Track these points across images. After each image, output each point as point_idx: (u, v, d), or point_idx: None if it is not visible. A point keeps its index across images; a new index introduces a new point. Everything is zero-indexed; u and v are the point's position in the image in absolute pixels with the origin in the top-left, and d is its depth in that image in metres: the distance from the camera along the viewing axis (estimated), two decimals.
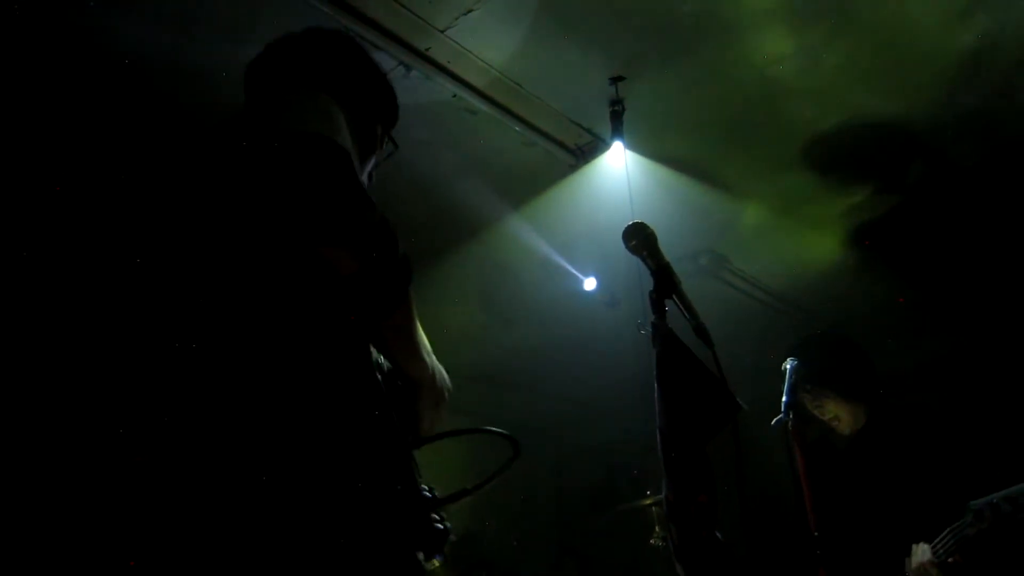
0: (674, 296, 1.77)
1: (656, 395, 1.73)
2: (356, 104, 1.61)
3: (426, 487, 1.39)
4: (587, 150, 3.71)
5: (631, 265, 1.94)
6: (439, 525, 1.37)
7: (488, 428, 1.72)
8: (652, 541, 4.47)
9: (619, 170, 3.65)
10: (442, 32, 2.95)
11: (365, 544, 1.19)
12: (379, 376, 1.36)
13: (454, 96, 3.23)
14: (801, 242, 4.64)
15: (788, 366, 2.86)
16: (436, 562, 1.35)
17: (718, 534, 1.67)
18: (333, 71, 1.65)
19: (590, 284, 4.59)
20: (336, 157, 1.27)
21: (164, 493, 1.15)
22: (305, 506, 1.16)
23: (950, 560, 2.59)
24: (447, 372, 1.58)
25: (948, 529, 2.61)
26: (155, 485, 1.15)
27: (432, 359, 1.52)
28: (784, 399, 2.75)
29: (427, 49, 3.01)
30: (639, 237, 1.80)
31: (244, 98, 1.67)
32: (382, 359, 1.41)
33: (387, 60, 2.93)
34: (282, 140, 1.28)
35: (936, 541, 2.64)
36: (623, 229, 1.82)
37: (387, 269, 1.31)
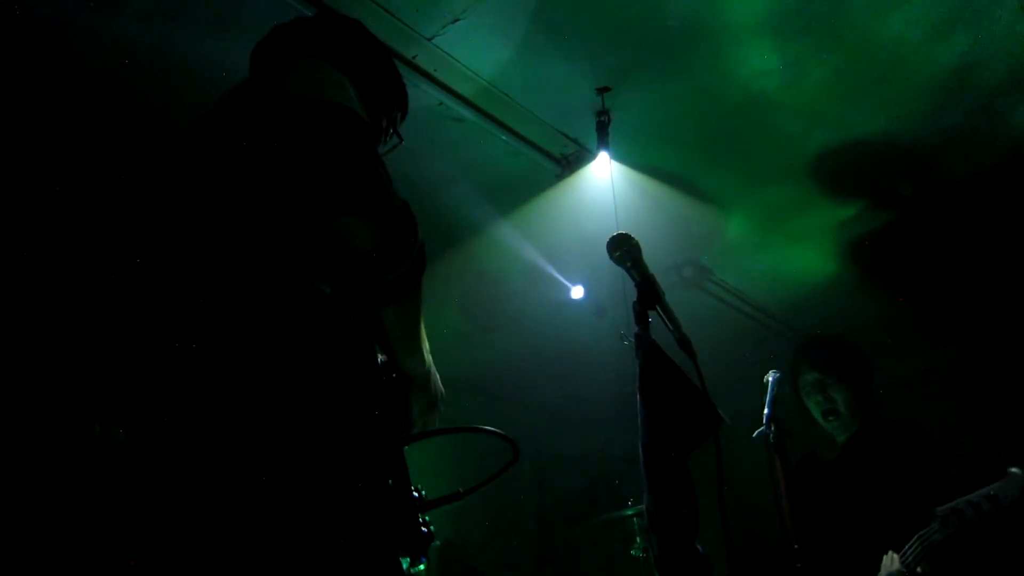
0: (658, 308, 1.78)
1: (639, 407, 1.73)
2: (365, 89, 1.55)
3: (415, 487, 1.36)
4: (573, 160, 3.72)
5: (615, 275, 1.94)
6: (424, 528, 1.34)
7: (487, 428, 1.69)
8: (633, 552, 4.47)
9: (604, 180, 3.66)
10: (429, 40, 2.95)
11: (349, 542, 1.15)
12: (374, 368, 1.32)
13: (440, 104, 3.23)
14: (784, 255, 4.67)
15: (770, 379, 2.87)
16: (422, 566, 1.32)
17: (699, 546, 1.67)
18: (344, 53, 1.60)
19: (577, 292, 4.58)
20: (361, 127, 1.23)
21: (155, 489, 1.12)
22: (290, 501, 1.12)
23: (919, 570, 2.60)
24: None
25: (916, 536, 2.63)
26: (148, 481, 1.12)
27: (429, 359, 1.49)
28: (766, 411, 2.77)
29: (414, 57, 3.01)
30: (623, 248, 1.80)
31: (249, 75, 1.62)
32: (378, 350, 1.37)
33: None
34: (301, 108, 1.22)
35: (905, 549, 2.65)
36: (607, 240, 1.82)
37: (406, 249, 1.26)
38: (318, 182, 1.19)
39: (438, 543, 1.36)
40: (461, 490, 1.55)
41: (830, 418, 3.13)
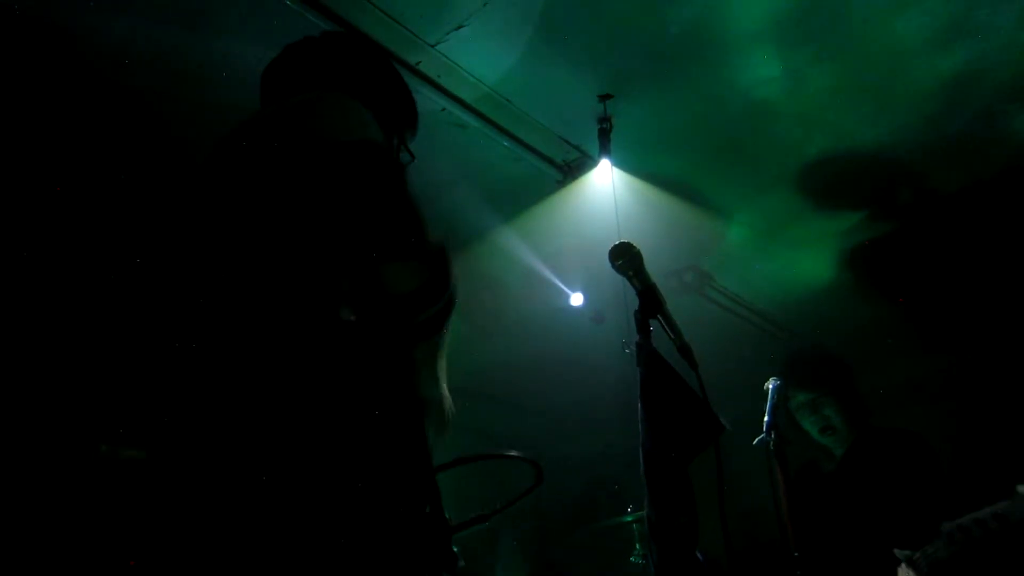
0: (659, 316, 1.78)
1: (640, 414, 1.74)
2: (377, 109, 1.54)
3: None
4: (574, 166, 3.73)
5: (615, 282, 1.95)
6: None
7: (513, 454, 1.70)
8: (632, 559, 4.46)
9: (606, 187, 3.67)
10: (433, 47, 2.96)
11: (381, 565, 1.16)
12: (402, 394, 1.33)
13: (443, 110, 3.24)
14: (785, 261, 4.68)
15: (770, 386, 2.87)
16: None
17: (699, 554, 1.67)
18: (355, 75, 1.61)
19: (577, 299, 4.59)
20: (398, 169, 1.24)
21: (178, 497, 1.12)
22: (324, 520, 1.12)
23: None
24: None
25: (920, 552, 2.61)
26: (172, 488, 1.12)
27: (445, 386, 1.49)
28: (766, 419, 2.77)
29: (417, 63, 3.02)
30: (625, 257, 1.81)
31: (260, 100, 1.62)
32: (404, 375, 1.38)
33: None
34: (339, 151, 1.23)
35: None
36: (610, 248, 1.83)
37: (441, 292, 1.28)
38: (362, 230, 1.20)
39: (463, 564, 1.36)
40: (487, 512, 1.56)
41: (827, 434, 3.13)
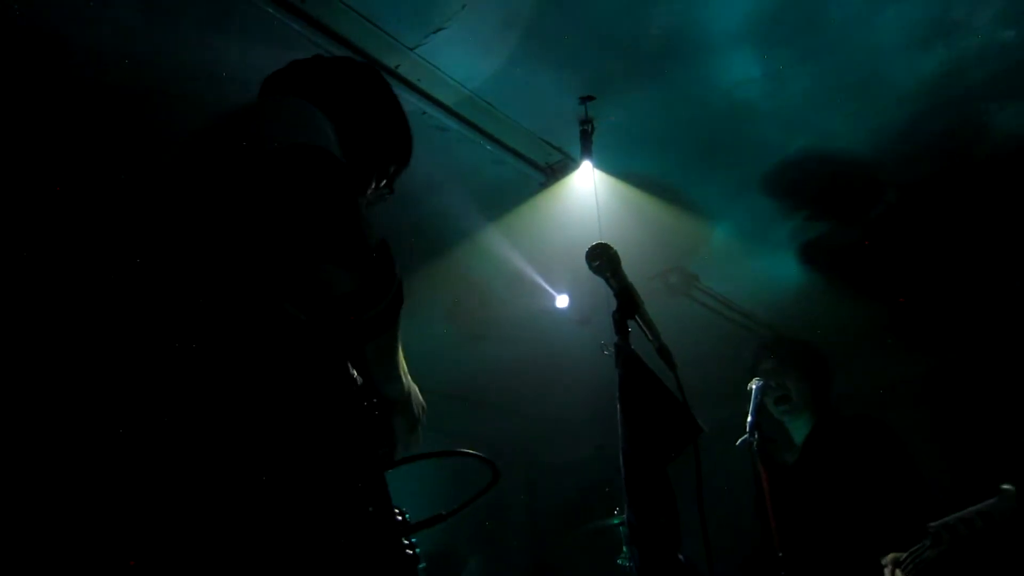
0: (637, 317, 1.78)
1: (618, 416, 1.73)
2: (357, 135, 1.56)
3: (398, 510, 1.35)
4: (557, 168, 3.73)
5: (598, 284, 1.95)
6: (409, 551, 1.34)
7: (466, 451, 1.70)
8: (619, 561, 4.45)
9: (588, 189, 3.66)
10: (412, 50, 2.95)
11: (332, 569, 1.14)
12: (352, 393, 1.32)
13: (424, 114, 3.23)
14: (770, 262, 4.68)
15: (753, 387, 2.88)
16: None
17: (680, 556, 1.66)
18: (342, 98, 1.61)
19: (563, 301, 4.59)
20: (336, 171, 1.23)
21: (136, 499, 1.11)
22: (270, 526, 1.10)
23: None
24: (419, 389, 1.56)
25: (908, 552, 2.61)
26: (133, 490, 1.11)
27: (408, 380, 1.50)
28: (749, 419, 2.77)
29: (396, 67, 3.01)
30: (602, 258, 1.81)
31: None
32: (356, 375, 1.37)
33: None
34: (278, 151, 1.22)
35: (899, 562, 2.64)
36: (586, 250, 1.83)
37: (384, 292, 1.27)
38: (292, 231, 1.19)
39: (423, 565, 1.36)
40: (444, 512, 1.56)
41: (781, 406, 3.15)
